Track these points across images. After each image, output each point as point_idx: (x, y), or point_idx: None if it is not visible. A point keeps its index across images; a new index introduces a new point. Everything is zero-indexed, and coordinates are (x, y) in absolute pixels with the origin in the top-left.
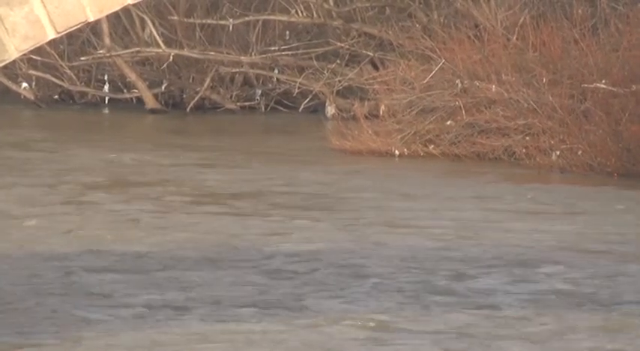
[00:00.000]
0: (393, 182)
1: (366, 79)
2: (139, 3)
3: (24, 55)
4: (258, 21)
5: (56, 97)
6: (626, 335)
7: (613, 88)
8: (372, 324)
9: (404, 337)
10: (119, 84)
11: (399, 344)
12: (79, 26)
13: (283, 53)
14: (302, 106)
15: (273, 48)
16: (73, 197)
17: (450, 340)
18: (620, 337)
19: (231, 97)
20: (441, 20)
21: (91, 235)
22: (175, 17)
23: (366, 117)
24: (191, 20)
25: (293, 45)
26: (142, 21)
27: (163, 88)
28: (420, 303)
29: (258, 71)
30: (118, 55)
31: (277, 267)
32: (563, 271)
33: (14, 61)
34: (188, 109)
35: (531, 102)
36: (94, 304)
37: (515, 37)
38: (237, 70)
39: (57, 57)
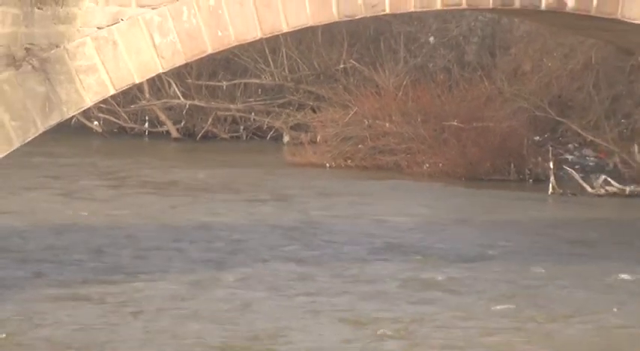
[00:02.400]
0: (309, 180)
1: (309, 119)
2: (166, 71)
3: (95, 103)
4: (241, 83)
5: (115, 130)
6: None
7: (461, 125)
8: None
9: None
10: (155, 122)
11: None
12: (129, 86)
13: (257, 103)
14: (269, 136)
15: (250, 99)
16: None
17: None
18: None
19: (224, 130)
20: (355, 82)
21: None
22: (189, 80)
23: (309, 142)
24: (199, 82)
25: (263, 98)
26: (169, 82)
27: (182, 124)
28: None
29: (241, 114)
30: (154, 104)
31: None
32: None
33: (89, 107)
34: (198, 138)
35: (410, 133)
36: None
37: (400, 93)
38: (228, 113)
39: (115, 105)
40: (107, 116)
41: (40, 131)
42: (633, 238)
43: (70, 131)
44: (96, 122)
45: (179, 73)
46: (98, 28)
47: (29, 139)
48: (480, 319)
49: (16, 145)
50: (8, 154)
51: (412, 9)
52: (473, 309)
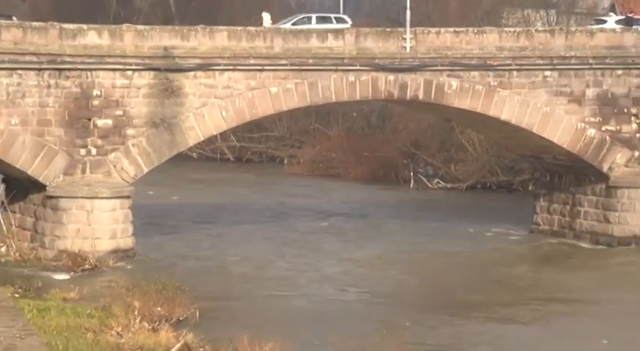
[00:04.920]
0: (292, 181)
1: (296, 152)
2: (228, 129)
3: (193, 144)
4: (264, 134)
5: (203, 158)
6: None
7: (369, 154)
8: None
9: None
10: (222, 154)
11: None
12: (210, 135)
13: (272, 144)
14: (277, 160)
15: (269, 143)
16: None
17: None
18: None
19: (256, 158)
20: (318, 134)
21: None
22: (239, 133)
23: (296, 163)
24: (244, 134)
25: (275, 142)
26: (229, 134)
27: (235, 155)
28: None
29: (264, 150)
30: (222, 145)
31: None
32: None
33: (190, 146)
34: (243, 162)
35: (344, 159)
36: None
37: (340, 140)
38: (257, 150)
39: (204, 145)
40: (200, 150)
41: (167, 158)
42: (430, 209)
43: (180, 158)
44: (194, 153)
45: (234, 130)
46: (196, 108)
47: (161, 162)
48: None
49: (155, 165)
50: (150, 170)
51: (346, 99)
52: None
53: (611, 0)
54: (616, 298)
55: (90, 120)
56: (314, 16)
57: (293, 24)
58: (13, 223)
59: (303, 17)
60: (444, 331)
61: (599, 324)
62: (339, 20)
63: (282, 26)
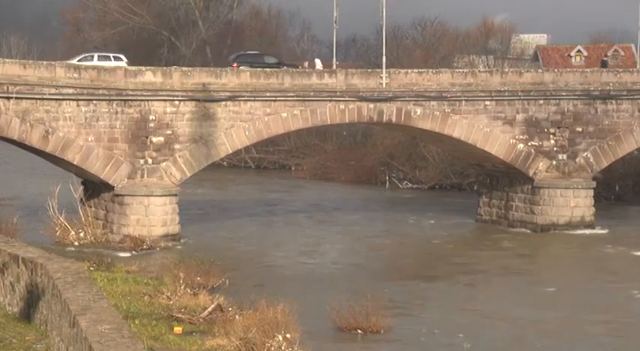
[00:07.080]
0: (295, 182)
1: (301, 161)
2: (250, 144)
3: (224, 156)
4: (277, 148)
5: (231, 166)
6: None
7: (355, 163)
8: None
9: None
10: (245, 162)
11: None
12: (237, 149)
13: (283, 155)
14: (286, 168)
15: (280, 154)
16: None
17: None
18: None
19: (271, 166)
20: (318, 148)
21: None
22: (258, 147)
23: (301, 169)
24: (262, 148)
25: (285, 154)
26: (251, 148)
27: (255, 163)
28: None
29: (277, 160)
30: (245, 155)
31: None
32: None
33: (222, 158)
34: (261, 169)
35: (337, 166)
36: None
37: (333, 152)
38: (272, 160)
39: (231, 156)
40: (229, 160)
41: (204, 166)
42: (400, 204)
43: (214, 166)
44: (224, 162)
45: (254, 145)
46: (226, 129)
47: (200, 169)
48: (330, 227)
49: (195, 171)
50: (190, 176)
51: (337, 122)
52: (324, 221)
53: (535, 49)
54: (534, 265)
55: (147, 138)
56: (96, 55)
57: (78, 60)
58: (89, 214)
59: (87, 56)
60: (412, 293)
61: (523, 280)
62: (117, 58)
63: (70, 62)
